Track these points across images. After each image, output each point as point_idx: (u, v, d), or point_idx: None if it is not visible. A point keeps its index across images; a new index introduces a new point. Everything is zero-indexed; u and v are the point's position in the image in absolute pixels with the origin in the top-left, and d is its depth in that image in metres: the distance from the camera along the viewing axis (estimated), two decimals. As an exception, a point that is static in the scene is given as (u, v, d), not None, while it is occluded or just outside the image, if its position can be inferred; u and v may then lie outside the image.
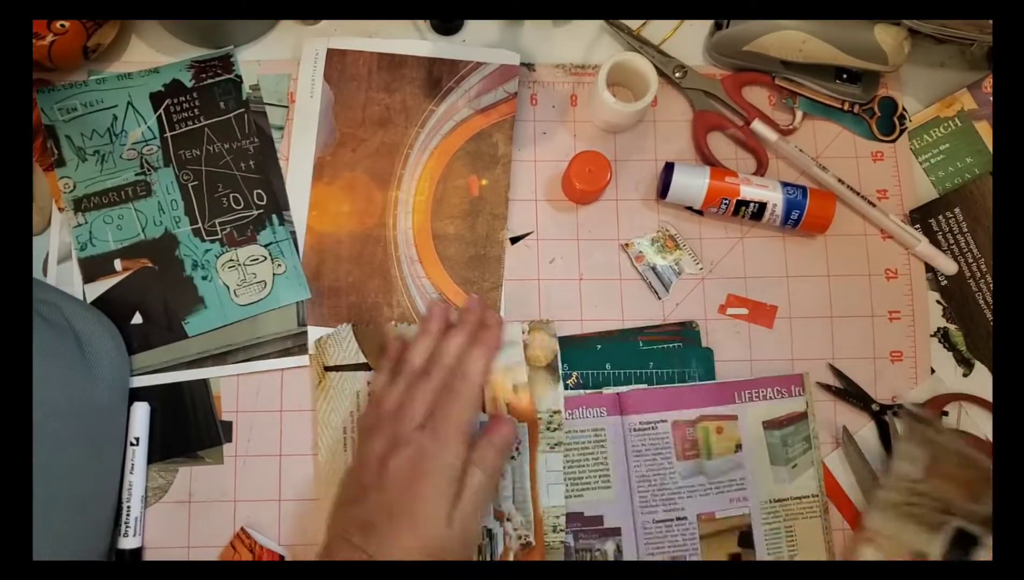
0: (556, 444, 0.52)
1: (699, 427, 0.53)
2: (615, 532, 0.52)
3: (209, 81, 0.57)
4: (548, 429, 0.52)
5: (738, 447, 0.53)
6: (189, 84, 0.57)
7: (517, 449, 0.51)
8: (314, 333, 0.54)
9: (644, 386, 0.54)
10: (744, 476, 0.53)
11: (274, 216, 0.56)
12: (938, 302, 0.58)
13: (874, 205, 0.57)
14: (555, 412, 0.52)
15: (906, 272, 0.58)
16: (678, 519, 0.52)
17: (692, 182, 0.55)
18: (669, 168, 0.55)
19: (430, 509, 0.43)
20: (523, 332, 0.54)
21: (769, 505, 0.53)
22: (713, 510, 0.52)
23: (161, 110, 0.56)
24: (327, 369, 0.53)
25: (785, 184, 0.55)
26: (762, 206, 0.55)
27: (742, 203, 0.55)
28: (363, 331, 0.53)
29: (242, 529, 0.52)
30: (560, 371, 0.53)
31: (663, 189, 0.56)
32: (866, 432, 0.56)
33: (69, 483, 0.47)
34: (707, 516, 0.52)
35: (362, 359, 0.53)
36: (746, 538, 0.52)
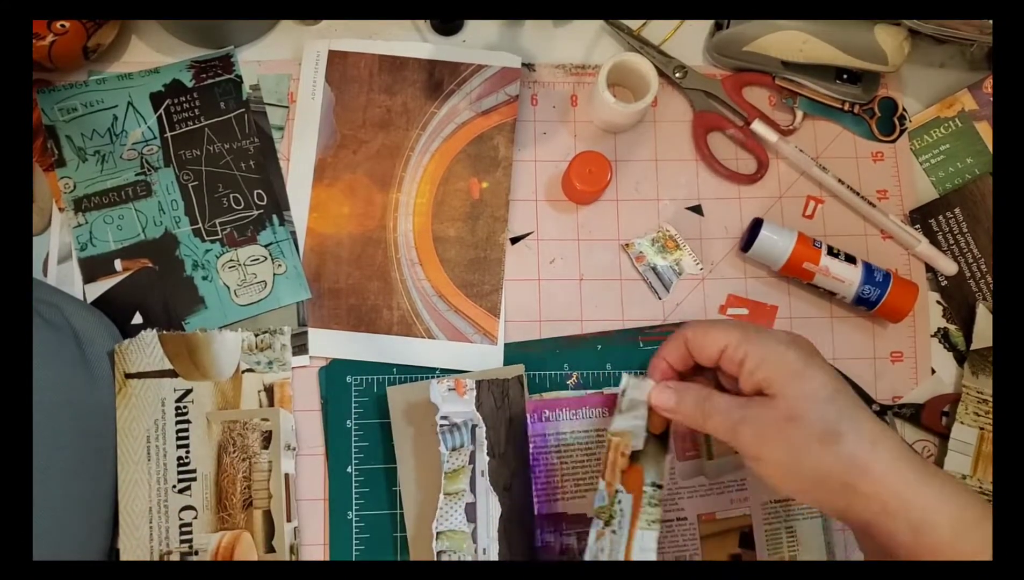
0: (654, 521, 0.46)
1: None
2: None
3: (209, 81, 0.57)
4: (650, 504, 0.46)
5: None
6: (189, 84, 0.57)
7: (620, 523, 0.45)
8: (315, 334, 0.54)
9: (644, 386, 0.54)
10: (744, 477, 0.53)
11: (274, 216, 0.56)
12: (938, 302, 0.58)
13: (874, 205, 0.57)
14: (658, 486, 0.46)
15: (906, 273, 0.58)
16: (678, 519, 0.52)
17: (779, 241, 0.54)
18: (757, 223, 0.55)
19: None
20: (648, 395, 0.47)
21: (770, 506, 0.53)
22: (713, 511, 0.52)
23: (161, 110, 0.56)
24: (128, 377, 0.51)
25: (870, 268, 0.54)
26: (833, 291, 0.55)
27: (813, 285, 0.55)
28: (169, 337, 0.52)
29: None
30: (671, 441, 0.47)
31: (746, 243, 0.56)
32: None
33: (69, 483, 0.47)
34: (707, 517, 0.52)
35: (168, 366, 0.51)
36: (747, 539, 0.52)
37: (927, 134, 0.60)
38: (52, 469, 0.45)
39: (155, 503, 0.50)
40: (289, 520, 0.51)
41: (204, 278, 0.54)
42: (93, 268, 0.54)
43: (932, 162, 0.60)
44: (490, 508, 0.50)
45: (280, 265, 0.55)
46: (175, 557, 0.50)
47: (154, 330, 0.52)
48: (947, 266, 0.57)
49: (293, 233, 0.56)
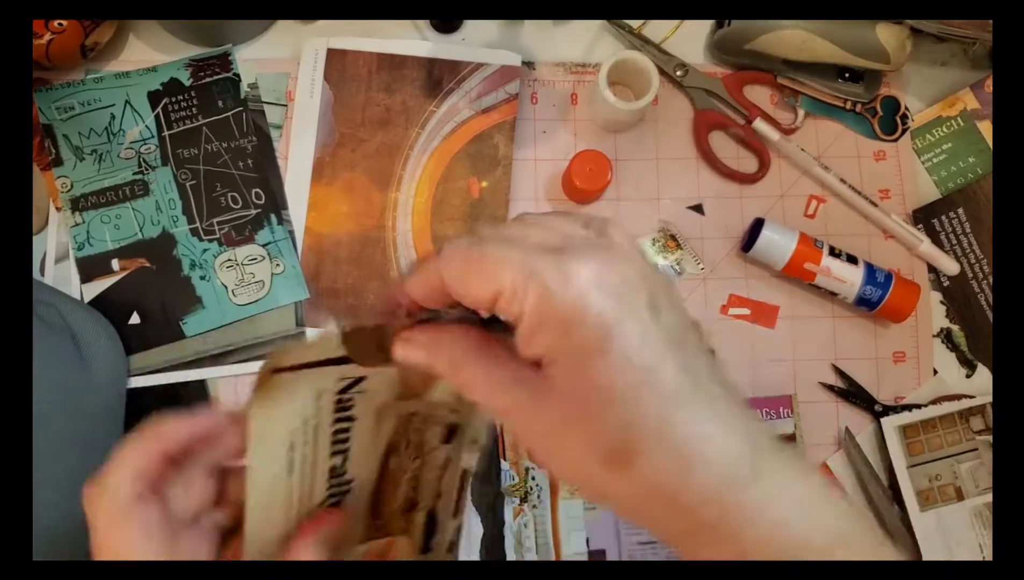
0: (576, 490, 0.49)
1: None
2: (600, 554, 0.51)
3: (207, 80, 0.57)
4: None
5: None
6: (187, 83, 0.57)
7: (539, 497, 0.47)
8: (313, 334, 0.54)
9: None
10: None
11: (272, 216, 0.55)
12: (941, 303, 0.57)
13: (876, 205, 0.57)
14: None
15: (908, 272, 0.57)
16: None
17: (780, 241, 0.54)
18: (759, 223, 0.55)
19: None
20: None
21: None
22: None
23: (159, 109, 0.56)
24: (277, 371, 0.33)
25: (872, 268, 0.54)
26: (834, 291, 0.55)
27: (814, 285, 0.55)
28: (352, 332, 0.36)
29: None
30: None
31: (747, 243, 0.55)
32: (868, 433, 0.55)
33: (67, 483, 0.46)
34: None
35: (339, 352, 0.32)
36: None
37: (929, 133, 0.59)
38: (49, 469, 0.45)
39: (292, 527, 0.35)
40: (455, 516, 0.40)
41: (202, 278, 0.54)
42: (90, 268, 0.54)
43: (934, 161, 0.59)
44: (472, 529, 0.49)
45: (278, 265, 0.55)
46: None
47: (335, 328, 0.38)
48: (949, 266, 0.57)
49: (291, 232, 0.55)
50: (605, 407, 0.24)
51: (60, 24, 0.51)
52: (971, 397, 0.55)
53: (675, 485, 0.24)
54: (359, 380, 0.34)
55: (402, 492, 0.39)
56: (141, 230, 0.55)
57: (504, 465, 0.49)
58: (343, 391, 0.34)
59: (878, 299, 0.54)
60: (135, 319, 0.53)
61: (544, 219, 0.27)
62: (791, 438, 0.54)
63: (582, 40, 0.60)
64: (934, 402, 0.55)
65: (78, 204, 0.55)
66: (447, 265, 0.26)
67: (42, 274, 0.54)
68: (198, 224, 0.55)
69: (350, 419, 0.36)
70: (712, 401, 0.24)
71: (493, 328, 0.28)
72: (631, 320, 0.24)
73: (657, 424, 0.24)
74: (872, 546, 0.25)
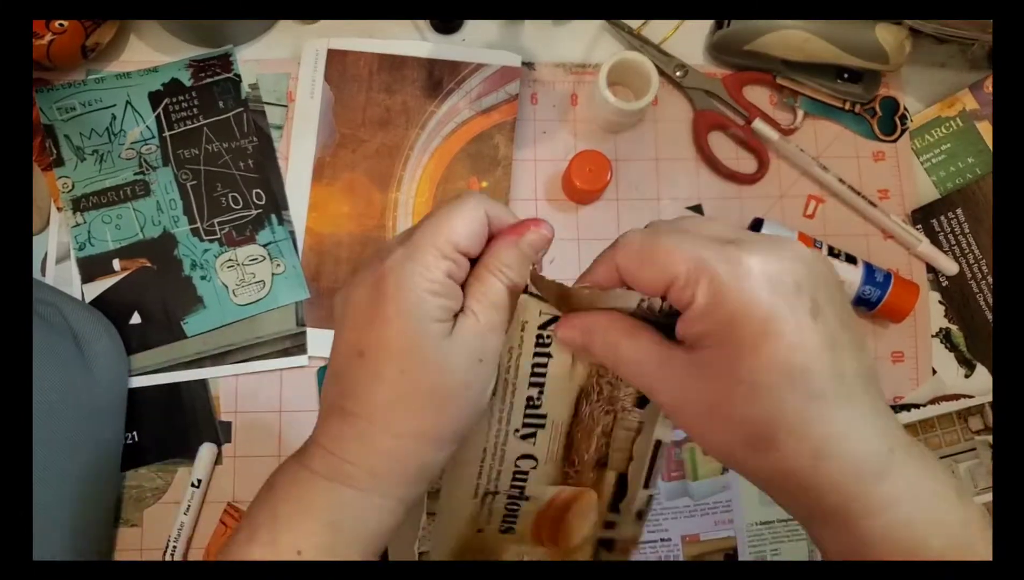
0: None
1: (685, 448, 0.52)
2: None
3: (208, 80, 0.57)
4: None
5: (724, 468, 0.53)
6: (188, 83, 0.57)
7: None
8: (313, 334, 0.54)
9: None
10: (730, 498, 0.52)
11: (273, 216, 0.55)
12: (940, 303, 0.58)
13: (875, 205, 0.57)
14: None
15: (907, 273, 0.58)
16: (662, 540, 0.51)
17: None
18: (758, 223, 0.55)
19: (402, 329, 0.30)
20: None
21: (755, 527, 0.52)
22: (697, 532, 0.52)
23: (160, 109, 0.56)
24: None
25: (871, 268, 0.54)
26: None
27: None
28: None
29: (229, 504, 0.52)
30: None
31: None
32: (867, 433, 0.55)
33: (67, 484, 0.47)
34: (691, 538, 0.52)
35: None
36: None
37: (928, 133, 0.60)
38: (50, 469, 0.45)
39: (491, 445, 0.39)
40: (647, 487, 0.41)
41: (203, 278, 0.54)
42: (91, 268, 0.54)
43: (933, 162, 0.59)
44: None
45: (279, 265, 0.55)
46: (501, 499, 0.40)
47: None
48: (948, 266, 0.57)
49: (292, 233, 0.55)
50: (750, 399, 0.26)
51: (61, 24, 0.51)
52: (970, 397, 0.55)
53: (806, 473, 0.26)
54: (555, 318, 0.35)
55: (595, 444, 0.40)
56: (142, 230, 0.55)
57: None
58: (543, 326, 0.36)
59: (877, 299, 0.54)
60: (136, 319, 0.54)
61: (717, 218, 0.31)
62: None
63: (582, 40, 0.60)
64: (933, 402, 0.55)
65: (79, 204, 0.55)
66: (622, 255, 0.29)
67: (43, 274, 0.54)
68: (199, 224, 0.55)
69: (547, 355, 0.37)
70: (853, 401, 0.27)
71: (637, 316, 0.30)
72: (791, 322, 0.26)
73: (795, 422, 0.26)
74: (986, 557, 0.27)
